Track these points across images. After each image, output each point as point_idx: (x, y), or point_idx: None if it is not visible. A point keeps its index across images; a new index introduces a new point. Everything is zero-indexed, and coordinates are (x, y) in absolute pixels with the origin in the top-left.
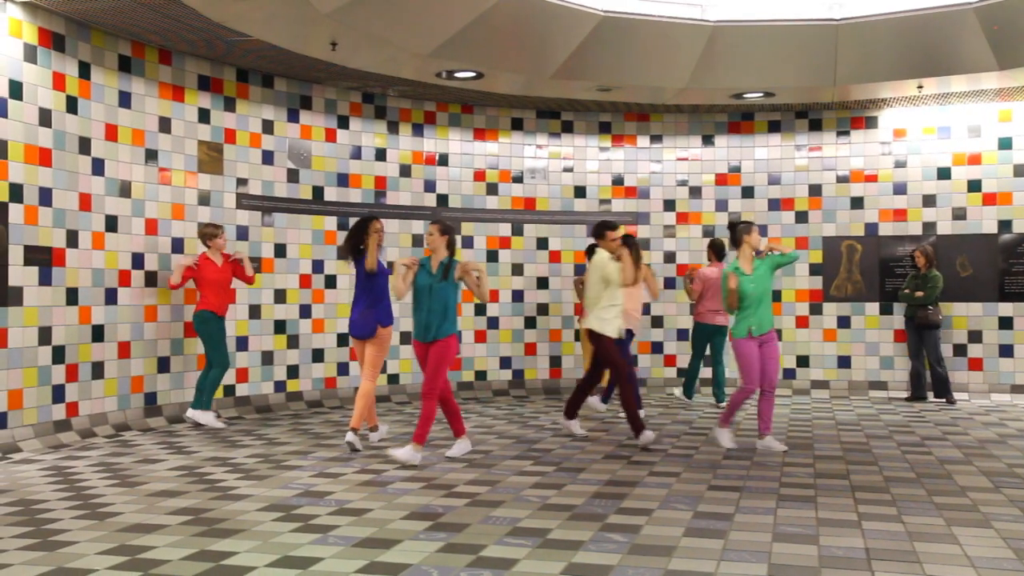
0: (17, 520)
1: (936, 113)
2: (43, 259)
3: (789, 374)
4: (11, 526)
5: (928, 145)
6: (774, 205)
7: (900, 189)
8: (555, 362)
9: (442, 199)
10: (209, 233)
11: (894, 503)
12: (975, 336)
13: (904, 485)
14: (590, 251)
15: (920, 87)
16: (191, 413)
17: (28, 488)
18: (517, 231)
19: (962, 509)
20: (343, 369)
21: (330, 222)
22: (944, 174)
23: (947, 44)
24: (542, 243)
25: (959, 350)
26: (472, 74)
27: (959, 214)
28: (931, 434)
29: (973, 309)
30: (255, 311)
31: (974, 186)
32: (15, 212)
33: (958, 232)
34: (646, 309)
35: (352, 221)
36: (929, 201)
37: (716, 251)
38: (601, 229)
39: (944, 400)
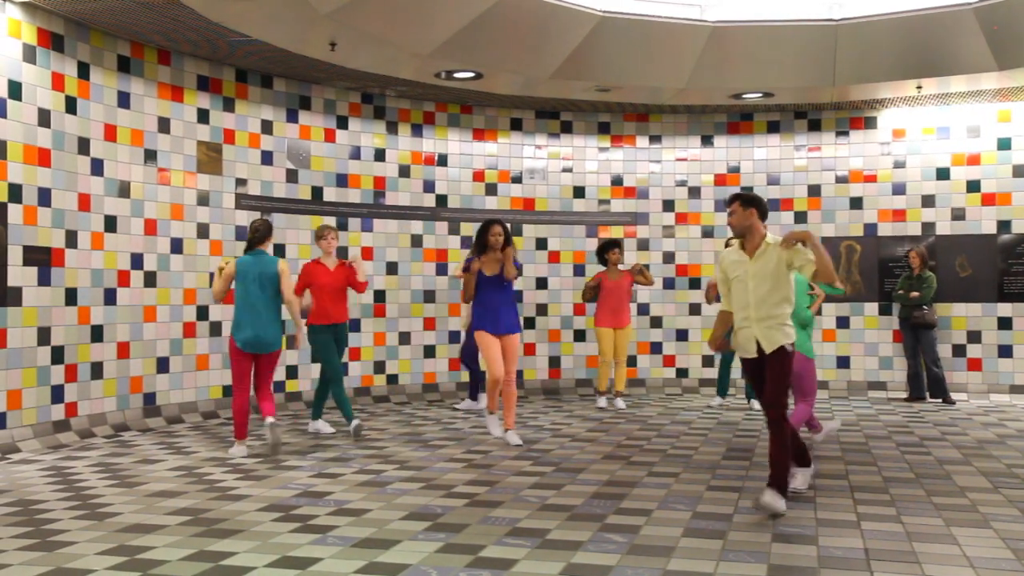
0: (16, 520)
1: (935, 113)
2: (42, 259)
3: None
4: (10, 526)
5: (927, 145)
6: (773, 205)
7: (899, 189)
8: (554, 362)
9: (441, 199)
10: (317, 233)
11: (893, 503)
12: (974, 336)
13: (903, 485)
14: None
15: (919, 87)
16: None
17: (27, 488)
18: (516, 231)
19: (961, 509)
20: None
21: (329, 222)
22: (943, 174)
23: (946, 44)
24: (541, 243)
25: (958, 350)
26: (471, 74)
27: (958, 214)
28: (930, 434)
29: (972, 309)
30: None
31: (973, 186)
32: (14, 212)
33: (957, 232)
34: (644, 309)
35: (351, 221)
36: (928, 201)
37: None
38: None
39: (941, 400)
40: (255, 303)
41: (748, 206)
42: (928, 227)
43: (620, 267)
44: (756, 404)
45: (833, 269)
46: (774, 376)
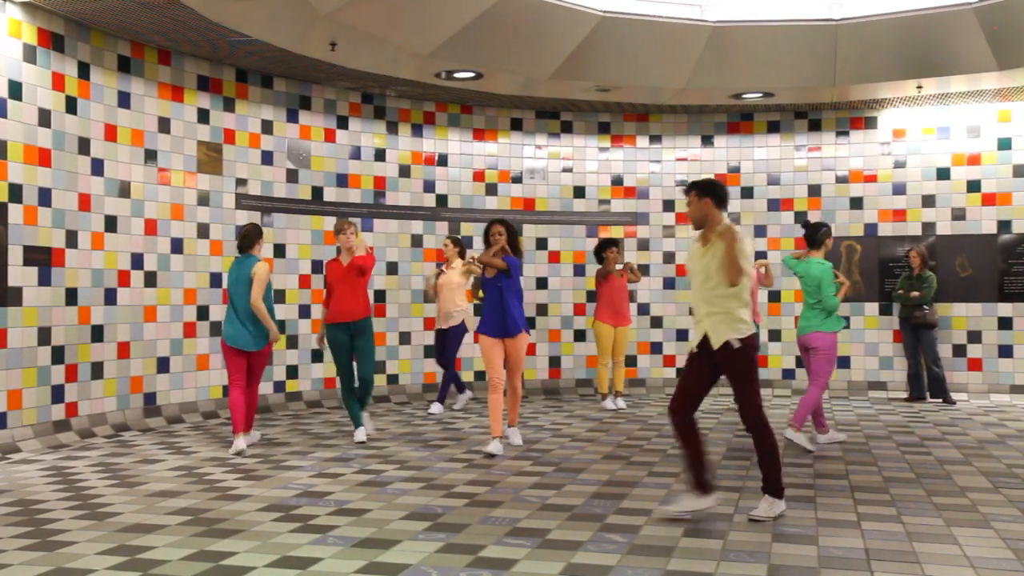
0: (16, 520)
1: (935, 113)
2: (42, 259)
3: (788, 374)
4: (10, 526)
5: (927, 145)
6: (773, 205)
7: (899, 189)
8: (554, 362)
9: (441, 199)
10: (336, 228)
11: (893, 503)
12: (974, 336)
13: (903, 485)
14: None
15: (919, 87)
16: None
17: (27, 488)
18: (516, 231)
19: (961, 509)
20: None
21: (329, 222)
22: (943, 174)
23: (947, 44)
24: (541, 243)
25: (958, 350)
26: (471, 74)
27: (958, 214)
28: (930, 434)
29: (972, 309)
30: None
31: (973, 186)
32: (14, 212)
33: (957, 232)
34: (644, 309)
35: (355, 221)
36: (928, 201)
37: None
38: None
39: (942, 400)
40: (236, 303)
41: (703, 195)
42: (928, 227)
43: (617, 266)
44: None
45: (735, 269)
46: (736, 379)
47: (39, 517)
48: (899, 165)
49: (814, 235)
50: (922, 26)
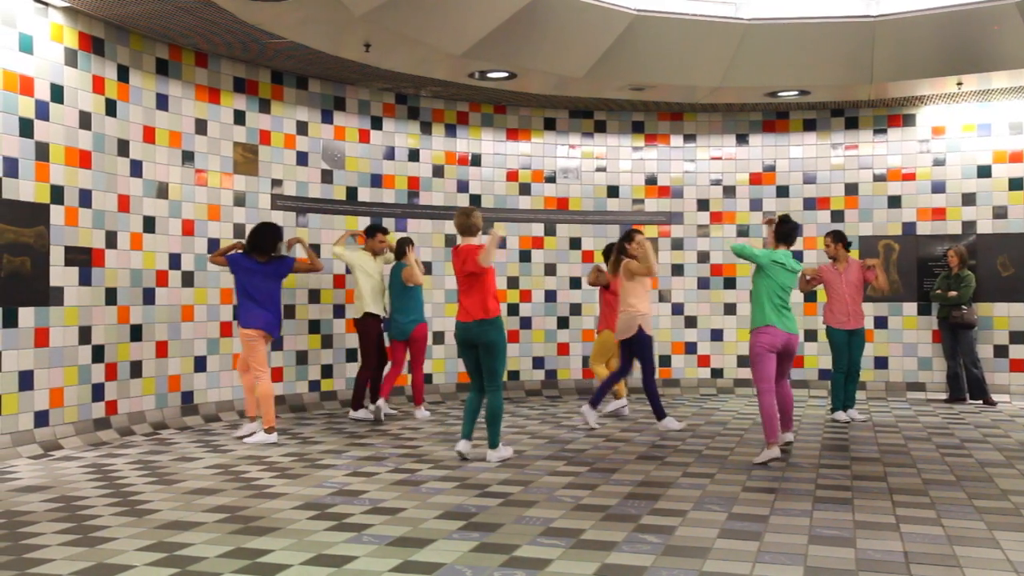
0: (58, 516)
1: (976, 110)
2: (83, 259)
3: (825, 375)
4: (53, 522)
5: (968, 143)
6: (809, 204)
7: (939, 188)
8: (588, 362)
9: (475, 199)
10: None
11: (933, 506)
12: (1016, 337)
13: (943, 488)
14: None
15: (960, 84)
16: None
17: (69, 485)
18: (550, 231)
19: (1004, 513)
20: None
21: (364, 223)
22: (984, 172)
23: (987, 39)
24: (575, 243)
25: (1000, 351)
26: (504, 74)
27: (1000, 213)
28: (971, 436)
29: (1014, 309)
30: (289, 311)
31: (1015, 184)
32: (56, 213)
33: (999, 231)
34: (679, 309)
35: (385, 221)
36: (969, 200)
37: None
38: None
39: (982, 401)
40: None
41: None
42: (968, 226)
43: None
44: (842, 416)
45: None
46: None
47: (80, 513)
48: (938, 163)
49: (791, 232)
50: (961, 21)
